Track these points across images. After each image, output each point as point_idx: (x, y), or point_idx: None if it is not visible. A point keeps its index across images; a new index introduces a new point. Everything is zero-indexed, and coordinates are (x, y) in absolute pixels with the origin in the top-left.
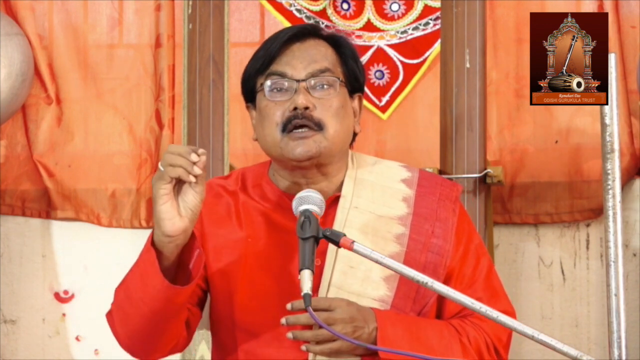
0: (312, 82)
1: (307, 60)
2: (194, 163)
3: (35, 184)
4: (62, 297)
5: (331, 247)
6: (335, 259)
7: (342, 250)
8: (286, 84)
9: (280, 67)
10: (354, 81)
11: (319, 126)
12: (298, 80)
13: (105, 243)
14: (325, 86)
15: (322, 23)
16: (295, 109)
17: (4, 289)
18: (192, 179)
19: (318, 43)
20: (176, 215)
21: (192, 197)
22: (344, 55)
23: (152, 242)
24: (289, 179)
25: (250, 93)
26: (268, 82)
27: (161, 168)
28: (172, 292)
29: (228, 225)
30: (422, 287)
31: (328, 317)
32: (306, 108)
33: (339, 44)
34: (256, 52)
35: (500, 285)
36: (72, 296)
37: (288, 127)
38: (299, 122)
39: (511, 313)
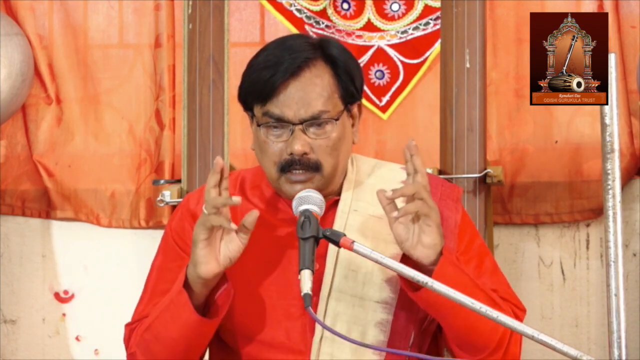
0: (308, 123)
1: (303, 100)
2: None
3: (35, 184)
4: (62, 297)
5: (331, 251)
6: (336, 262)
7: (342, 254)
8: (282, 125)
9: (277, 109)
10: (351, 97)
11: (316, 168)
12: (294, 123)
13: (105, 243)
14: (322, 124)
15: (322, 23)
16: (292, 153)
17: (4, 289)
18: (234, 227)
19: (314, 73)
20: (213, 260)
21: (236, 245)
22: (339, 75)
23: (184, 281)
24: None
25: (248, 106)
26: (265, 122)
27: (205, 212)
28: (205, 326)
29: None
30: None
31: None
32: (303, 154)
33: (334, 62)
34: (254, 69)
35: (507, 283)
36: (72, 296)
37: (286, 169)
38: (297, 167)
39: (523, 310)
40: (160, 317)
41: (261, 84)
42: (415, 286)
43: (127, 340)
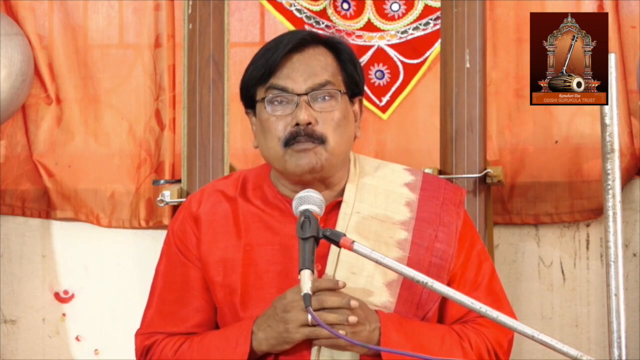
0: (313, 95)
1: (307, 72)
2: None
3: (35, 184)
4: (62, 297)
5: (332, 253)
6: (337, 265)
7: (343, 256)
8: (287, 97)
9: (280, 80)
10: (354, 86)
11: (320, 140)
12: (299, 95)
13: (105, 243)
14: (326, 98)
15: (322, 23)
16: (297, 124)
17: (4, 289)
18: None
19: (317, 52)
20: None
21: None
22: (343, 61)
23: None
24: (291, 187)
25: (249, 100)
26: (269, 96)
27: (310, 318)
28: None
29: (226, 236)
30: (425, 293)
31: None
32: (308, 124)
33: (337, 49)
34: (255, 59)
35: (502, 291)
36: (72, 296)
37: (291, 142)
38: (302, 139)
39: (509, 334)
40: None
41: (262, 64)
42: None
43: (141, 354)
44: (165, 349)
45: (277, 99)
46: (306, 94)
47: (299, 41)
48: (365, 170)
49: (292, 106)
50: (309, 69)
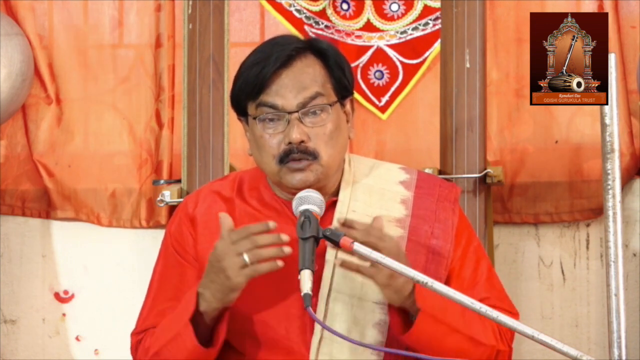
0: (304, 111)
1: (297, 88)
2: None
3: (35, 184)
4: (62, 297)
5: (330, 251)
6: (334, 265)
7: (341, 254)
8: (278, 115)
9: (270, 98)
10: (344, 90)
11: (314, 156)
12: (290, 112)
13: (106, 243)
14: (317, 112)
15: (322, 23)
16: (290, 142)
17: (4, 289)
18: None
19: (305, 63)
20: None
21: None
22: (330, 67)
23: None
24: (286, 190)
25: (241, 110)
26: (260, 115)
27: (246, 259)
28: (210, 354)
29: None
30: None
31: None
32: (301, 142)
33: (324, 55)
34: (244, 70)
35: (502, 287)
36: (72, 296)
37: (285, 160)
38: (296, 156)
39: (516, 315)
40: (168, 346)
41: (252, 79)
42: (404, 329)
43: (135, 352)
44: (153, 336)
45: (269, 117)
46: (297, 111)
47: (287, 57)
48: (360, 170)
49: (283, 123)
50: (298, 84)
